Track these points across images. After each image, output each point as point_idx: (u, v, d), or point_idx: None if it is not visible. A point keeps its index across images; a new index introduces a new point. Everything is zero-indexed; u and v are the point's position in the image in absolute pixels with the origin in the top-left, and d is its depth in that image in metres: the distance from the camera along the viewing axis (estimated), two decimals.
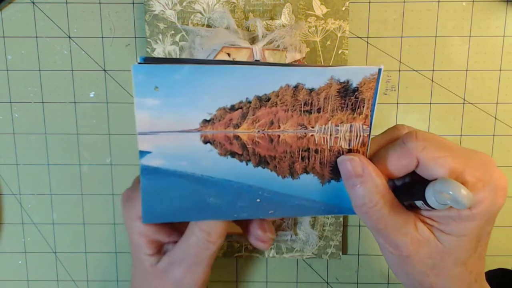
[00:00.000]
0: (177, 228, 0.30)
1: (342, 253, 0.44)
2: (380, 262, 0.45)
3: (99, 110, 0.43)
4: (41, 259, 0.45)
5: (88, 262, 0.45)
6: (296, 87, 0.25)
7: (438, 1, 0.40)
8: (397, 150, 0.26)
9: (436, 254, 0.26)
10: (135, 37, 0.41)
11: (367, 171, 0.26)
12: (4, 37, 0.42)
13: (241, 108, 0.25)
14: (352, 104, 0.26)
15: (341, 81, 0.25)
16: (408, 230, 0.26)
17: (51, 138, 0.43)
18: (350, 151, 0.27)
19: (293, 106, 0.26)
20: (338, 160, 0.27)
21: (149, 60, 0.24)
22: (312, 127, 0.27)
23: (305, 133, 0.27)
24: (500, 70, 0.41)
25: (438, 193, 0.24)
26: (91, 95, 0.42)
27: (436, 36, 0.41)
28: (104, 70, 0.42)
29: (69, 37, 0.42)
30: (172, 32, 0.39)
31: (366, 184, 0.26)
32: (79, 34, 0.41)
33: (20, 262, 0.45)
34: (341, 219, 0.43)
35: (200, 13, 0.39)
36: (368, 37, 0.41)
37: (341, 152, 0.27)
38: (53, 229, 0.45)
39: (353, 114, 0.26)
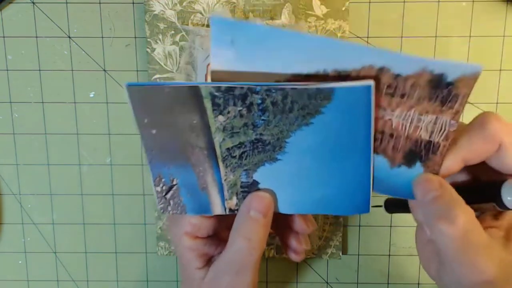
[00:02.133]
0: (224, 240, 0.30)
1: (342, 253, 0.44)
2: (380, 262, 0.45)
3: (99, 110, 0.43)
4: (41, 259, 0.45)
5: (88, 262, 0.45)
6: (381, 69, 0.23)
7: (438, 1, 0.40)
8: (477, 134, 0.24)
9: None
10: (135, 37, 0.41)
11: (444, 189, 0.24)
12: (4, 37, 0.42)
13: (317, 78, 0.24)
14: (443, 97, 0.24)
15: (435, 73, 0.23)
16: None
17: (51, 138, 0.43)
18: (429, 142, 0.25)
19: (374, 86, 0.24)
20: (416, 180, 0.25)
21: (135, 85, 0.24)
22: (392, 111, 0.24)
23: (382, 115, 0.25)
24: (500, 70, 0.41)
25: None
26: (91, 95, 0.42)
27: (436, 36, 0.41)
28: (104, 70, 0.42)
29: (69, 37, 0.42)
30: (172, 32, 0.39)
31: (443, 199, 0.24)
32: (79, 34, 0.41)
33: (20, 262, 0.45)
34: (341, 219, 0.43)
35: (200, 13, 0.39)
36: (368, 37, 0.41)
37: (419, 142, 0.25)
38: (53, 229, 0.45)
39: (442, 107, 0.24)
